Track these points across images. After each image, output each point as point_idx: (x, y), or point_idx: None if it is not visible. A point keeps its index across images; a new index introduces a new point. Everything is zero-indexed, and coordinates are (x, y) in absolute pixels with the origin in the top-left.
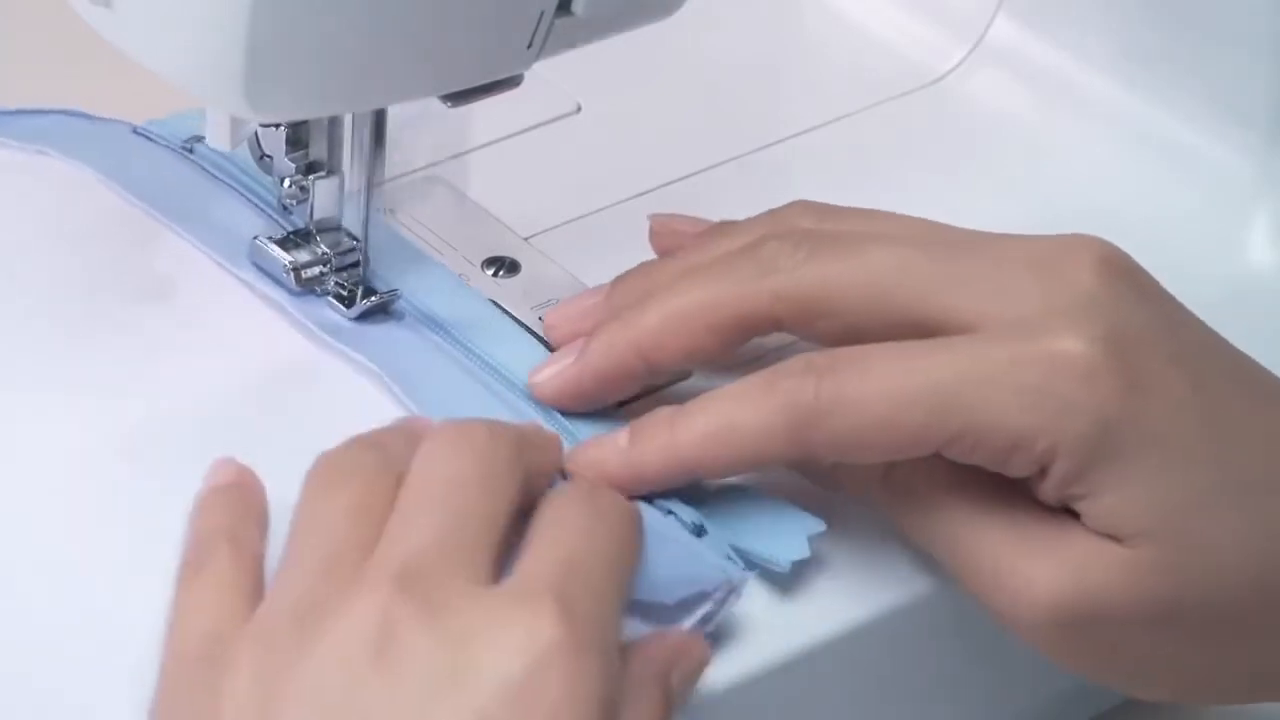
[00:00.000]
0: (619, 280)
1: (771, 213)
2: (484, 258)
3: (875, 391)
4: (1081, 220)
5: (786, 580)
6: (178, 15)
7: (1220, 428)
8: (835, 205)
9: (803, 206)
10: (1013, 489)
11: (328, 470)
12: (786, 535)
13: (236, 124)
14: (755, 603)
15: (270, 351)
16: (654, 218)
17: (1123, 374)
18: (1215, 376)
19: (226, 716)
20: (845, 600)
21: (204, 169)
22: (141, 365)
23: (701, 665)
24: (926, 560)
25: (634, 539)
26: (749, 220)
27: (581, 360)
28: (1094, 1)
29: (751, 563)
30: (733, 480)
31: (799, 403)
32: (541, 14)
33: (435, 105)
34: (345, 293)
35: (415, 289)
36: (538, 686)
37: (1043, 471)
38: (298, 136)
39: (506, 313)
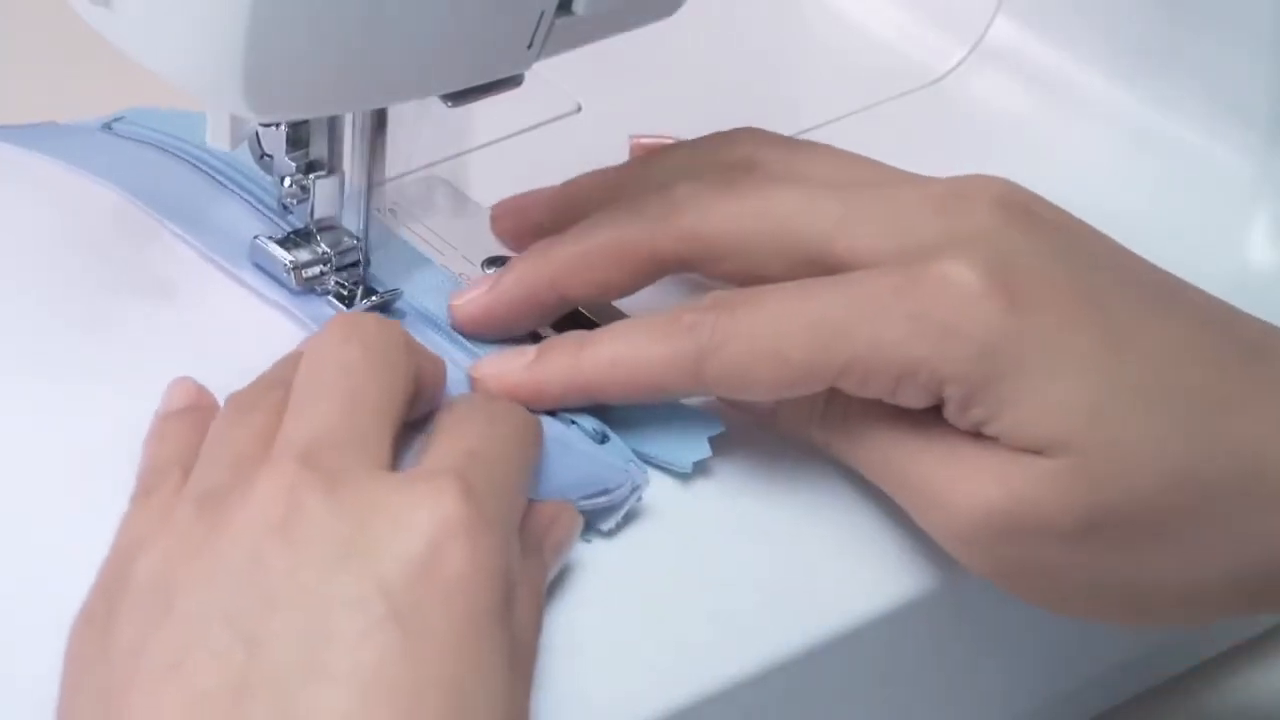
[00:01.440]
0: (568, 184)
1: (720, 134)
2: (484, 258)
3: (764, 325)
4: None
5: (784, 580)
6: (178, 15)
7: (1113, 338)
8: (782, 136)
9: (749, 132)
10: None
11: (233, 407)
12: (687, 437)
13: (236, 124)
14: (754, 602)
15: (270, 350)
16: (636, 140)
17: (1003, 295)
18: (1108, 289)
19: (131, 595)
20: (845, 600)
21: (202, 170)
22: (142, 364)
23: (573, 533)
24: (926, 560)
25: (532, 441)
26: (693, 142)
27: (496, 288)
28: (1094, 1)
29: (654, 465)
30: None
31: (697, 337)
32: (541, 14)
33: (435, 105)
34: (345, 292)
35: (415, 289)
36: (440, 559)
37: (941, 399)
38: (298, 136)
39: None
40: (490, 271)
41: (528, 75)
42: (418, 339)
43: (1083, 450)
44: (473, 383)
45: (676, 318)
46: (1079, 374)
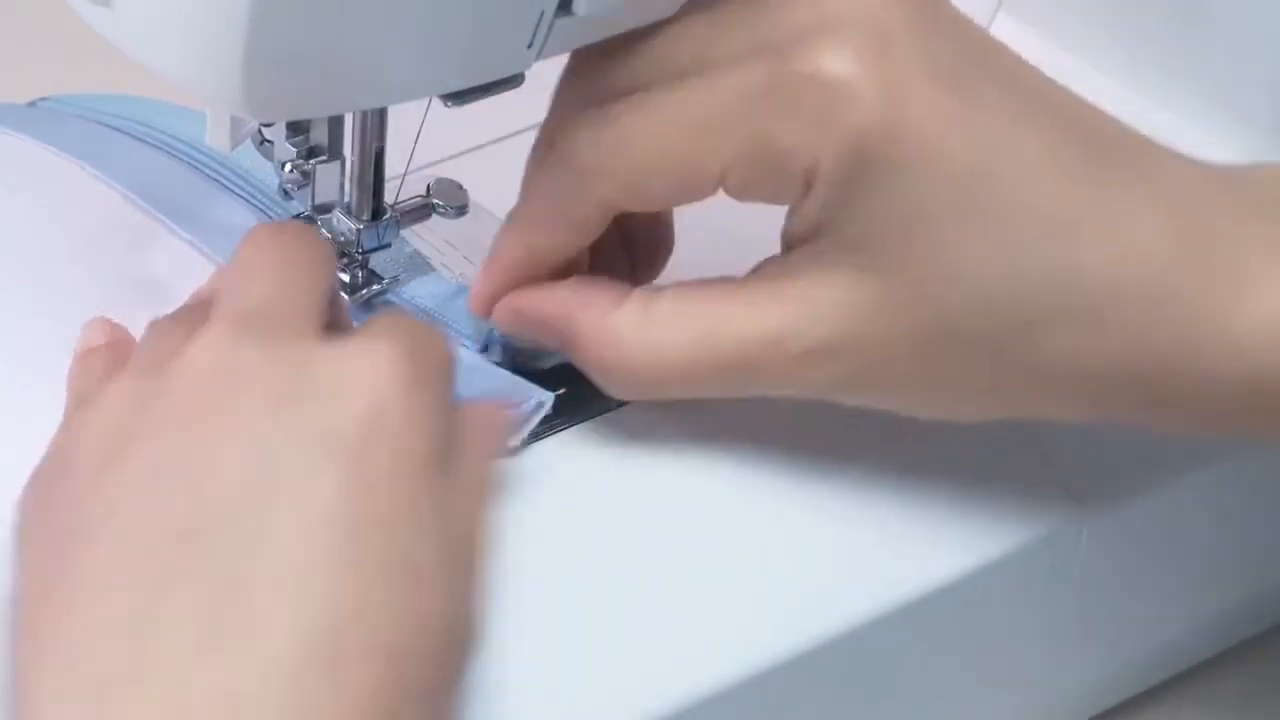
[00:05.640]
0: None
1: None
2: (484, 258)
3: (654, 127)
4: None
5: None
6: (177, 15)
7: (981, 147)
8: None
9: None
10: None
11: (156, 325)
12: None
13: (236, 124)
14: (752, 604)
15: None
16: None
17: (881, 85)
18: (981, 90)
19: (82, 452)
20: (846, 600)
21: (199, 169)
22: None
23: (506, 427)
24: (926, 560)
25: (451, 353)
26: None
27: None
28: (1094, 1)
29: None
30: None
31: (579, 160)
32: (541, 14)
33: (435, 105)
34: (346, 280)
35: (414, 289)
36: (381, 407)
37: (807, 189)
38: (298, 122)
39: None
40: None
41: (528, 75)
42: None
43: (913, 266)
44: None
45: (552, 148)
46: (939, 181)
